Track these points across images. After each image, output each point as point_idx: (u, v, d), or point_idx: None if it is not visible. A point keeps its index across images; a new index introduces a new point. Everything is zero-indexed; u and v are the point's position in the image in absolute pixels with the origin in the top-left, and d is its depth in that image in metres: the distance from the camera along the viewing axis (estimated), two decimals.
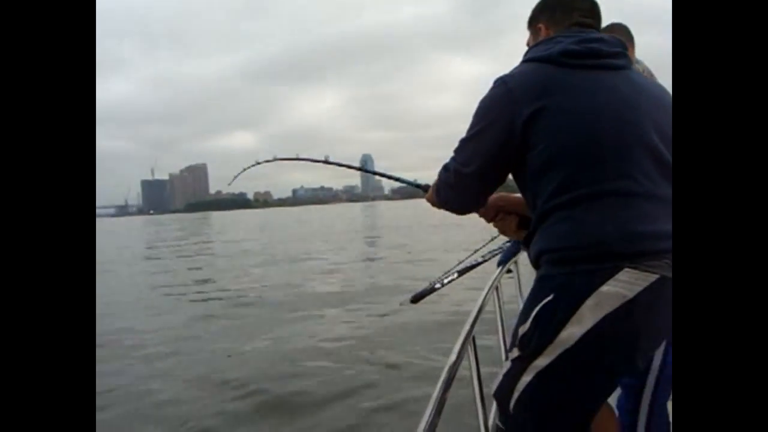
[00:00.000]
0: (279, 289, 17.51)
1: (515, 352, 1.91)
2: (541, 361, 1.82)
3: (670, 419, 2.72)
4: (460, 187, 2.10)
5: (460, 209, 2.23)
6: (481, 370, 2.17)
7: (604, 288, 1.72)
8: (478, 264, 3.44)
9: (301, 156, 2.94)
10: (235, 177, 3.08)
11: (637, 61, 2.89)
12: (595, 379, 1.84)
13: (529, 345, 1.85)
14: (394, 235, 39.42)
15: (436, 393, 1.59)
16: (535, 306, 1.83)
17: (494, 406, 2.54)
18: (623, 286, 1.71)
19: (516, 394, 1.88)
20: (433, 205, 2.32)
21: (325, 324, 12.52)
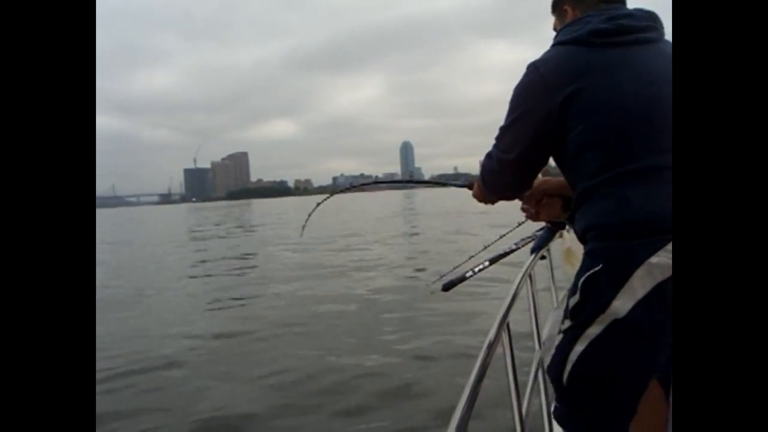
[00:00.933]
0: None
1: (567, 323, 1.93)
2: (594, 330, 1.84)
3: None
4: (504, 173, 2.14)
5: (508, 194, 2.31)
6: (516, 358, 2.17)
7: (654, 259, 1.74)
8: (511, 252, 3.45)
9: (354, 184, 3.08)
10: (309, 215, 3.19)
11: None
12: (646, 348, 1.83)
13: (580, 315, 1.88)
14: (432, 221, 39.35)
15: (470, 380, 1.59)
16: (582, 277, 1.87)
17: (527, 395, 2.53)
18: (672, 257, 1.71)
19: (569, 366, 1.90)
20: (480, 199, 2.40)
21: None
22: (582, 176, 1.93)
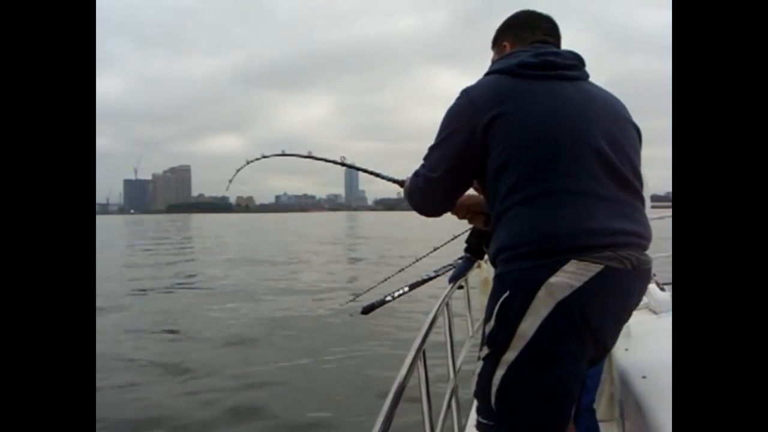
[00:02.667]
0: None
1: (485, 350, 2.03)
2: (509, 355, 1.94)
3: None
4: (429, 190, 2.24)
5: (432, 211, 2.36)
6: (431, 385, 2.20)
7: (553, 279, 1.85)
8: (430, 279, 3.50)
9: (287, 152, 3.03)
10: (238, 170, 3.16)
11: None
12: (560, 365, 1.94)
13: (496, 341, 1.97)
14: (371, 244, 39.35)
15: (385, 407, 1.60)
16: (496, 303, 1.97)
17: (440, 423, 2.56)
18: (570, 276, 1.84)
19: (494, 389, 1.99)
20: (408, 203, 2.43)
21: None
22: (497, 197, 2.03)
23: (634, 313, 3.63)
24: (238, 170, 3.14)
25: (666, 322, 3.55)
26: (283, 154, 3.11)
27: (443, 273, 3.46)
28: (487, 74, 2.17)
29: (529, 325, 1.89)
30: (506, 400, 1.99)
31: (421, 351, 2.09)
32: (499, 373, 1.97)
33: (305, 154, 3.06)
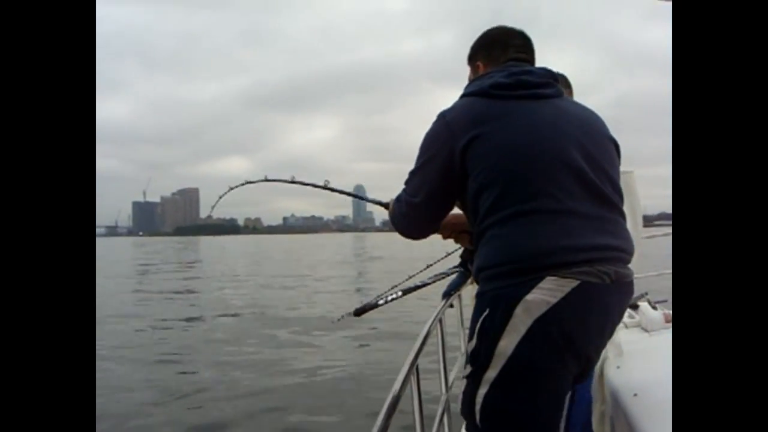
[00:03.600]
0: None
1: (468, 369, 2.04)
2: (490, 374, 1.95)
3: (592, 424, 2.91)
4: (412, 215, 2.28)
5: (416, 235, 2.41)
6: (423, 401, 2.17)
7: (529, 296, 1.87)
8: (423, 285, 3.52)
9: (270, 177, 3.13)
10: (221, 197, 3.22)
11: None
12: (541, 382, 1.96)
13: (477, 359, 1.99)
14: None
15: (378, 422, 1.58)
16: (476, 322, 1.99)
17: None
18: (546, 293, 1.86)
19: (477, 407, 1.99)
20: (393, 227, 2.46)
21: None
22: (477, 218, 2.05)
23: (626, 331, 3.61)
24: (221, 196, 3.20)
25: (658, 340, 3.59)
26: (266, 180, 3.21)
27: (435, 281, 3.49)
28: (462, 96, 2.19)
29: (508, 343, 1.90)
30: (489, 418, 1.99)
31: (414, 367, 2.09)
32: (482, 391, 1.98)
33: (289, 179, 3.10)
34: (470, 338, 2.04)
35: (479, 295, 2.04)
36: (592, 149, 2.05)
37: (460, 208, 2.32)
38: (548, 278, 1.87)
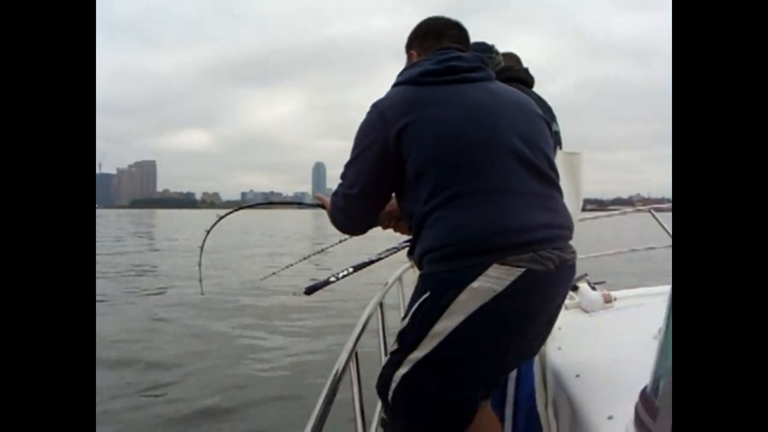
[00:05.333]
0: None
1: (394, 346, 2.06)
2: (417, 354, 1.96)
3: (537, 406, 2.89)
4: (350, 208, 2.28)
5: (356, 229, 2.42)
6: (363, 387, 2.19)
7: (475, 284, 1.87)
8: (374, 261, 3.49)
9: (273, 199, 3.23)
10: (208, 232, 3.20)
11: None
12: (469, 369, 1.99)
13: (405, 339, 2.01)
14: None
15: (316, 410, 1.59)
16: (414, 303, 2.00)
17: (374, 425, 2.55)
18: (492, 281, 1.87)
19: (393, 385, 2.02)
20: (333, 224, 2.43)
21: None
22: (417, 203, 2.04)
23: (566, 312, 3.64)
24: (207, 231, 3.18)
25: (597, 321, 3.64)
26: (240, 208, 3.43)
27: (386, 255, 3.47)
28: (393, 86, 2.21)
29: (443, 327, 1.91)
30: (402, 398, 2.02)
31: (353, 351, 2.11)
32: (401, 371, 2.00)
33: (263, 201, 3.09)
34: (403, 318, 2.07)
35: (422, 276, 2.06)
36: (526, 127, 2.09)
37: (396, 198, 2.27)
38: (494, 266, 1.87)
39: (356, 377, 2.16)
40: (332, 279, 3.20)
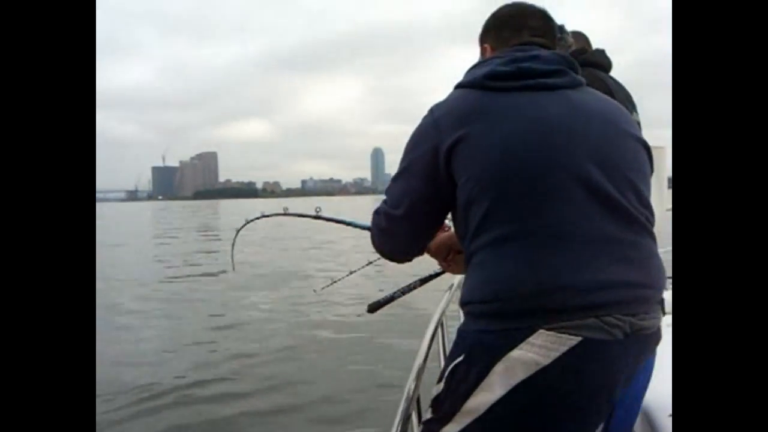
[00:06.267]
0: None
1: (429, 413, 1.74)
2: (451, 428, 1.63)
3: None
4: (393, 232, 1.90)
5: (399, 256, 2.03)
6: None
7: (515, 353, 1.52)
8: (443, 272, 3.29)
9: (290, 212, 2.87)
10: (238, 231, 3.07)
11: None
12: None
13: (441, 408, 1.67)
14: None
15: (406, 389, 1.56)
16: (450, 363, 1.66)
17: None
18: (537, 351, 1.51)
19: None
20: (374, 249, 2.09)
21: None
22: (466, 236, 1.70)
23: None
24: (238, 230, 3.05)
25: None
26: (265, 215, 2.95)
27: None
28: (456, 87, 1.82)
29: (479, 402, 1.57)
30: None
31: (439, 325, 1.97)
32: None
33: (281, 211, 2.82)
34: (439, 379, 1.70)
35: (459, 335, 1.69)
36: (611, 153, 1.66)
37: (453, 224, 1.87)
38: (540, 331, 1.50)
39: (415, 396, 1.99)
40: (397, 294, 2.88)
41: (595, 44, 3.05)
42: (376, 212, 1.92)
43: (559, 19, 2.09)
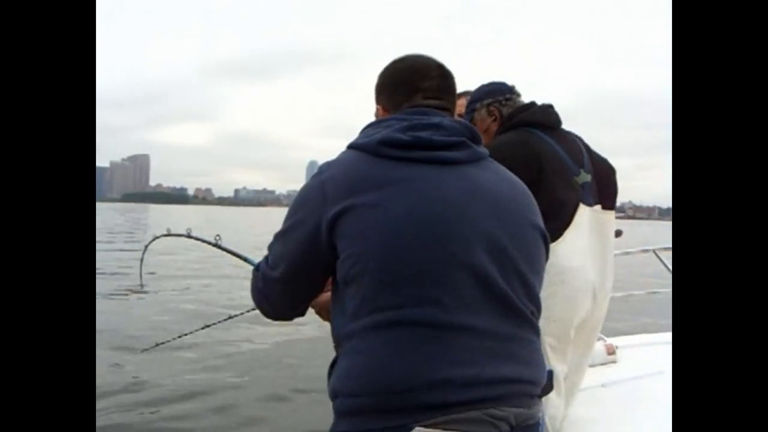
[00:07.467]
0: None
1: None
2: None
3: None
4: (268, 292, 1.74)
5: (275, 318, 1.86)
6: None
7: None
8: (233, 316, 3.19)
9: (192, 234, 2.86)
10: (146, 247, 3.13)
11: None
12: None
13: None
14: None
15: None
16: None
17: None
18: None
19: None
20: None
21: None
22: (339, 317, 1.57)
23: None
24: (146, 246, 3.10)
25: (601, 378, 3.30)
26: (189, 236, 2.89)
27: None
28: (348, 147, 1.67)
29: None
30: None
31: None
32: None
33: (185, 232, 2.83)
34: None
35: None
36: (505, 242, 1.55)
37: (332, 292, 1.70)
38: (418, 429, 1.39)
39: None
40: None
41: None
42: (256, 268, 1.78)
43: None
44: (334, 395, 1.53)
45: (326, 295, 1.79)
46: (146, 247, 3.06)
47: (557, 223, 2.43)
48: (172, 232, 2.95)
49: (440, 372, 1.41)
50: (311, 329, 9.23)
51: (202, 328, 3.09)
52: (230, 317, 2.99)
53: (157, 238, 2.96)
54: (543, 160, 2.49)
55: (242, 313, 2.85)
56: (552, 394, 2.24)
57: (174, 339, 3.18)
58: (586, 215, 2.52)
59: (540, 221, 1.68)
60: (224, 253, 2.75)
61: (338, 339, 1.56)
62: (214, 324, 3.03)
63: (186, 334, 3.07)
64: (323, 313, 1.94)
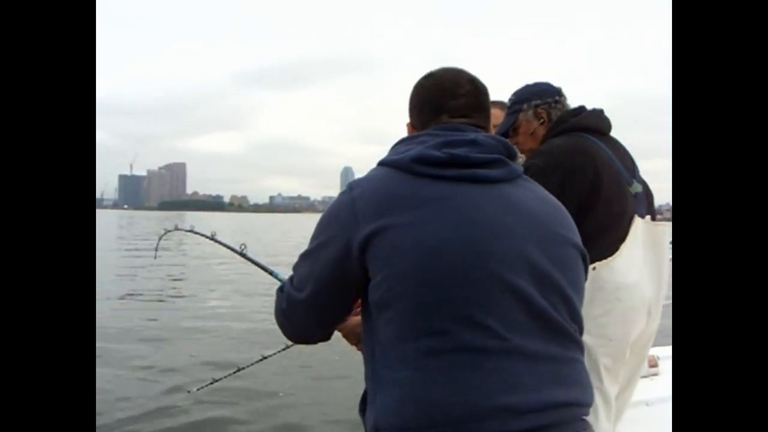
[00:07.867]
0: None
1: None
2: None
3: None
4: (292, 314, 1.66)
5: (299, 341, 1.79)
6: None
7: None
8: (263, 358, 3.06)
9: (216, 238, 2.76)
10: (160, 238, 3.17)
11: None
12: None
13: None
14: None
15: None
16: None
17: None
18: None
19: None
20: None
21: None
22: (376, 344, 1.48)
23: None
24: (161, 237, 3.12)
25: (645, 394, 3.15)
26: (212, 239, 2.77)
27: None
28: (379, 164, 1.60)
29: None
30: None
31: None
32: None
33: (209, 234, 2.74)
34: None
35: None
36: (546, 262, 1.48)
37: (362, 315, 1.61)
38: None
39: None
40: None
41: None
42: (280, 289, 1.69)
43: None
44: (375, 428, 1.44)
45: (355, 319, 1.74)
46: (160, 238, 3.15)
47: (615, 235, 2.32)
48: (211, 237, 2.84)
49: (494, 400, 1.34)
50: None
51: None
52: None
53: (169, 231, 3.05)
54: (601, 167, 2.36)
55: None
56: (602, 417, 2.23)
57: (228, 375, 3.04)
58: (640, 227, 2.39)
59: (578, 239, 1.61)
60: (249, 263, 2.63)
61: (374, 368, 1.48)
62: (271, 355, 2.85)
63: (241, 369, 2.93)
64: (351, 338, 1.89)
